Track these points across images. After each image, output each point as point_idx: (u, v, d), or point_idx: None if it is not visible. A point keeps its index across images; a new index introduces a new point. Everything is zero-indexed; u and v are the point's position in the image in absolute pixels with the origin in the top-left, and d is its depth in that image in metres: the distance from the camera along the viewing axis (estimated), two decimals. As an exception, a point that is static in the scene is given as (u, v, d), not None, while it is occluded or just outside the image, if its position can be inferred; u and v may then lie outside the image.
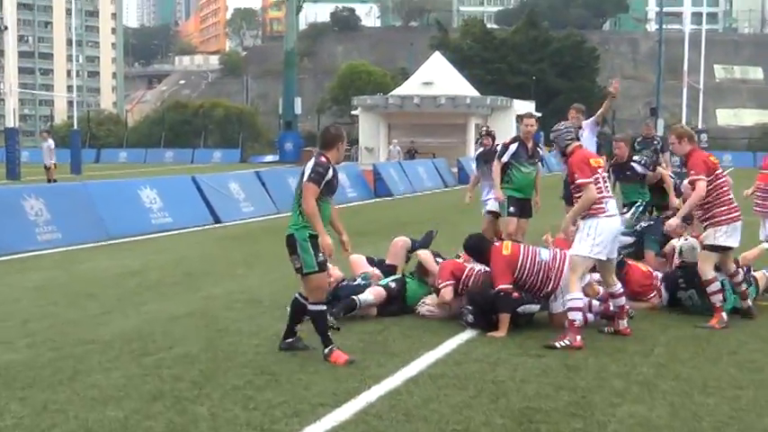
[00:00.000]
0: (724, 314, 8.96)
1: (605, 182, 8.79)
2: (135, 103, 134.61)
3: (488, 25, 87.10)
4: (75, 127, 55.31)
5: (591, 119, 12.64)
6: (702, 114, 65.66)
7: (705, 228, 9.24)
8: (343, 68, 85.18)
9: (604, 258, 8.47)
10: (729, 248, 9.06)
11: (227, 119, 78.56)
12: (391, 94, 55.59)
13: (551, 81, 69.63)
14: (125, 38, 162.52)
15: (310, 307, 7.81)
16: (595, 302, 9.17)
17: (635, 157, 12.53)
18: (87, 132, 72.66)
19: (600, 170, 8.68)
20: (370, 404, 6.52)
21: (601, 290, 9.14)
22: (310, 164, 7.93)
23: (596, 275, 9.07)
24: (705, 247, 9.11)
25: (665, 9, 69.54)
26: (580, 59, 73.44)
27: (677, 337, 8.52)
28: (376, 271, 10.18)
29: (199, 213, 20.13)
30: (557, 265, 8.97)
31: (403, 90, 55.26)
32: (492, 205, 13.08)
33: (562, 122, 9.44)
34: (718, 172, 9.13)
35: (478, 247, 9.48)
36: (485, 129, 14.62)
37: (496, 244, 9.37)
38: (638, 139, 15.44)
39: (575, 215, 8.64)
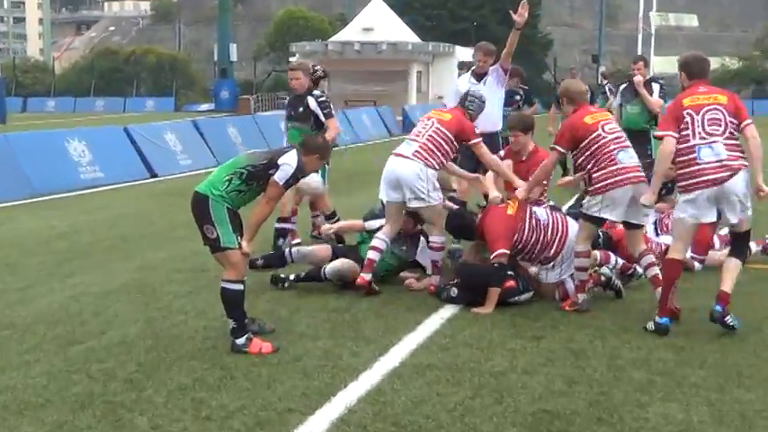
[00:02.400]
0: (582, 296, 7.63)
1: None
2: (63, 51, 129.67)
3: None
4: (0, 75, 52.68)
5: (497, 63, 10.15)
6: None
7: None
8: (279, 14, 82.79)
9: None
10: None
11: (159, 66, 76.06)
12: (331, 40, 53.90)
13: (493, 28, 67.91)
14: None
15: (227, 285, 6.50)
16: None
17: None
18: (13, 81, 69.81)
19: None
20: (349, 409, 5.33)
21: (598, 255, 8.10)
22: (290, 161, 6.62)
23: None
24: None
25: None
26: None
27: (689, 310, 7.40)
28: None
29: (132, 167, 18.70)
30: (559, 229, 7.86)
31: (342, 36, 53.56)
32: None
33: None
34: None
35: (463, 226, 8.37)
36: None
37: (499, 206, 8.10)
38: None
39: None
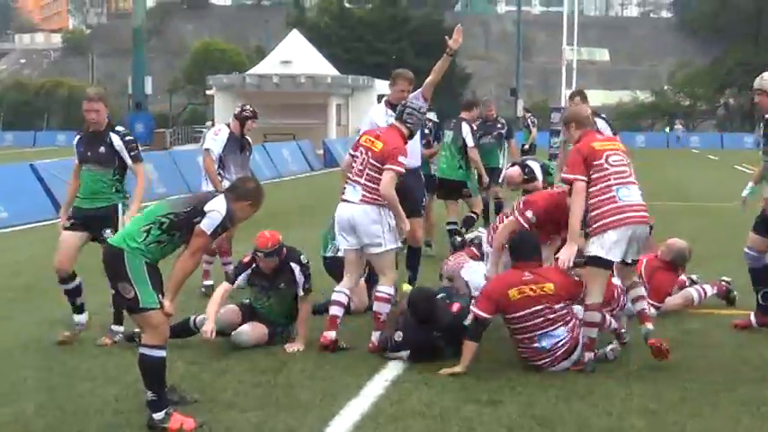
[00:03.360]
0: (588, 355, 6.80)
1: None
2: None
3: (345, 3, 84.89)
4: None
5: (417, 90, 9.12)
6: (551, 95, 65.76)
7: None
8: (196, 46, 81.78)
9: None
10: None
11: (71, 99, 74.17)
12: (248, 73, 53.07)
13: (411, 60, 67.82)
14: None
15: (147, 352, 5.61)
16: None
17: None
18: None
19: None
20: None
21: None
22: (218, 208, 5.79)
23: None
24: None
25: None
26: (440, 39, 71.14)
27: (654, 368, 6.75)
28: None
29: (39, 206, 17.56)
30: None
31: (261, 69, 52.78)
32: None
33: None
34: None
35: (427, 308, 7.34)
36: None
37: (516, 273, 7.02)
38: (479, 122, 13.48)
39: None
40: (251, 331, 7.50)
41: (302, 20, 74.93)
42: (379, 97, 52.96)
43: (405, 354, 7.07)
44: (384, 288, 7.56)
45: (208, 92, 56.57)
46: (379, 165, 7.44)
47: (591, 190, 6.69)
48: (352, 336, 7.77)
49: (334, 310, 7.51)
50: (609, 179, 6.71)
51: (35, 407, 5.95)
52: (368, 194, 7.44)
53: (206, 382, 6.53)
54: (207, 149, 9.94)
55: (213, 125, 44.02)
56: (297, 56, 51.74)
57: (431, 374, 6.71)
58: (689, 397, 6.16)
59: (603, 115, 10.97)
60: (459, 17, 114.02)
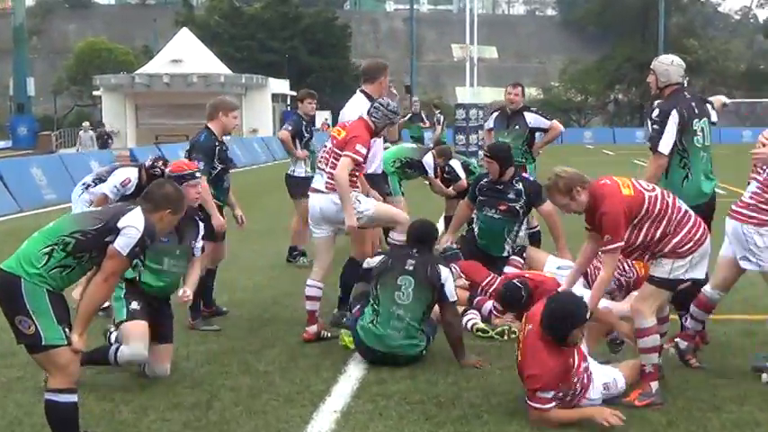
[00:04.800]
0: (654, 385, 5.93)
1: None
2: None
3: (235, 1, 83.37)
4: None
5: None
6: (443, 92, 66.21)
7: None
8: (80, 46, 78.95)
9: None
10: None
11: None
12: (137, 72, 51.67)
13: (304, 59, 67.46)
14: None
15: (54, 398, 4.75)
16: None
17: None
18: None
19: None
20: None
21: None
22: (135, 223, 4.95)
23: None
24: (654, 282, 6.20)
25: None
26: (332, 37, 71.43)
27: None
28: None
29: None
30: None
31: (150, 68, 51.49)
32: None
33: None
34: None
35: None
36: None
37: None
38: (409, 116, 12.89)
39: None
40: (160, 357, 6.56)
41: (192, 18, 73.39)
42: (274, 96, 52.40)
43: None
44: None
45: (95, 92, 54.89)
46: (339, 152, 7.52)
47: None
48: (285, 353, 6.99)
49: (310, 306, 7.61)
50: None
51: None
52: (331, 181, 7.54)
53: (127, 423, 5.62)
54: (104, 194, 8.46)
55: (94, 129, 42.62)
56: (187, 55, 50.86)
57: (383, 400, 5.97)
58: (685, 419, 5.57)
59: (534, 108, 10.48)
60: (350, 15, 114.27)
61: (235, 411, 5.82)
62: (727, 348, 7.19)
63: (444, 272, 6.89)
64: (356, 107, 8.17)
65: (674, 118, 6.81)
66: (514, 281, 7.47)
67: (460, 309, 7.80)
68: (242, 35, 69.88)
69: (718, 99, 7.62)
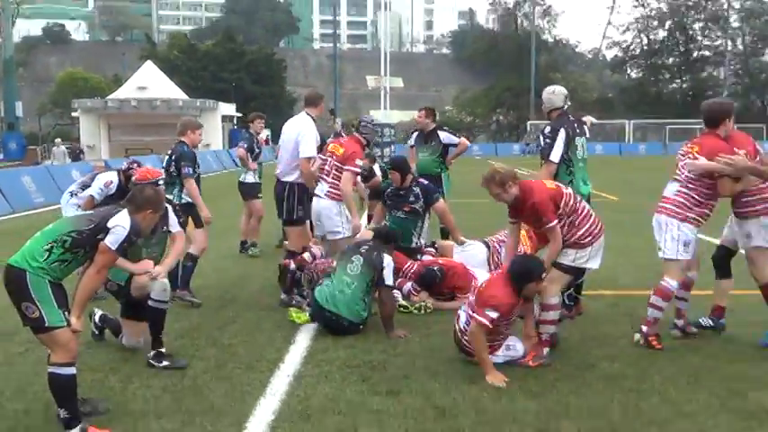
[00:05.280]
0: (546, 350, 5.99)
1: None
2: None
3: (191, 40, 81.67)
4: None
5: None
6: (359, 114, 66.48)
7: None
8: (60, 75, 76.68)
9: None
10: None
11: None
12: (109, 97, 50.31)
13: (248, 87, 66.57)
14: None
15: (56, 370, 4.55)
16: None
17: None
18: None
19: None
20: None
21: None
22: (122, 223, 4.79)
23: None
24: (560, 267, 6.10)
25: (326, 31, 69.57)
26: (271, 69, 70.67)
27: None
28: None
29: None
30: None
31: (120, 94, 50.18)
32: None
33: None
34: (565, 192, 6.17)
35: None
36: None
37: None
38: (333, 133, 12.53)
39: None
40: (135, 332, 6.36)
41: (154, 53, 71.63)
42: (223, 117, 51.62)
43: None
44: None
45: (73, 114, 53.26)
46: (340, 165, 7.70)
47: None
48: (244, 328, 6.86)
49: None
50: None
51: None
52: (332, 190, 7.72)
53: (115, 390, 5.43)
54: (91, 196, 8.18)
55: (64, 144, 41.45)
56: (151, 83, 49.91)
57: (327, 365, 5.89)
58: (578, 385, 5.61)
59: (446, 128, 10.42)
60: (285, 52, 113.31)
61: (205, 378, 5.67)
62: (598, 318, 7.27)
63: (387, 260, 6.82)
64: (302, 124, 8.09)
65: (561, 134, 6.91)
66: (431, 267, 7.47)
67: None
68: (197, 67, 68.72)
69: (588, 119, 7.72)
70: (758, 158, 6.11)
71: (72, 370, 4.57)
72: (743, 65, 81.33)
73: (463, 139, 10.28)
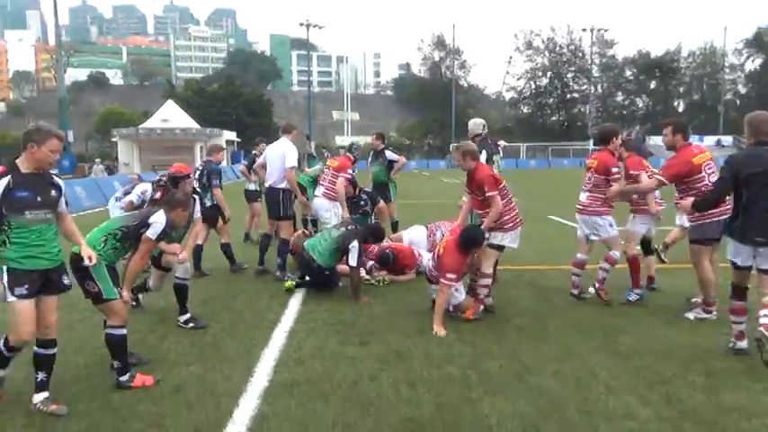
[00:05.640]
0: (481, 307, 5.95)
1: None
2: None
3: (201, 85, 79.86)
4: None
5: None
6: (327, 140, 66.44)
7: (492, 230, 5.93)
8: (102, 110, 74.40)
9: None
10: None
11: (15, 146, 65.01)
12: (140, 126, 48.94)
13: (244, 119, 65.27)
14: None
15: (112, 331, 4.37)
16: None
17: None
18: None
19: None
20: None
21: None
22: (160, 219, 4.62)
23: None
24: (491, 245, 5.94)
25: (302, 78, 68.77)
26: (261, 106, 69.35)
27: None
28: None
29: None
30: None
31: (148, 124, 48.91)
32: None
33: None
34: (504, 184, 5.98)
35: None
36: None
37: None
38: (307, 154, 11.54)
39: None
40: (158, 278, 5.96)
41: (174, 93, 69.78)
42: (227, 142, 50.85)
43: None
44: None
45: (113, 139, 51.70)
46: (336, 173, 8.20)
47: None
48: (249, 297, 6.72)
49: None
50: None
51: (25, 374, 4.49)
52: (327, 192, 8.19)
53: (153, 346, 5.27)
54: (131, 201, 7.85)
55: (102, 162, 40.32)
56: (172, 116, 48.82)
57: (313, 323, 5.80)
58: (501, 336, 5.62)
59: (391, 148, 10.36)
60: (271, 93, 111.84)
61: (222, 335, 5.54)
62: (508, 285, 7.26)
63: (354, 245, 6.68)
64: (285, 145, 7.93)
65: (483, 154, 6.91)
66: (386, 250, 7.41)
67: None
68: (206, 104, 67.20)
69: (502, 142, 7.78)
70: (645, 173, 6.12)
71: (124, 331, 4.42)
72: (602, 104, 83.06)
73: (401, 157, 10.27)
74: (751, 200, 4.55)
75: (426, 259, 6.87)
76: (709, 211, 5.27)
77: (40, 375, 4.01)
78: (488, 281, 5.98)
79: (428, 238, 8.25)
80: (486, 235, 5.88)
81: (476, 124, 7.36)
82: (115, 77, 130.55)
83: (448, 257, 5.65)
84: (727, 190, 4.76)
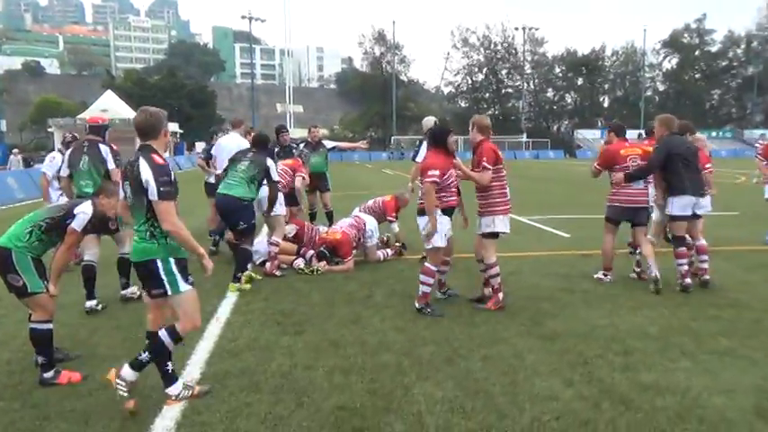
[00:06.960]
0: (500, 295, 5.78)
1: None
2: None
3: (142, 75, 76.91)
4: None
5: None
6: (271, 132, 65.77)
7: (482, 215, 5.84)
8: (38, 100, 70.61)
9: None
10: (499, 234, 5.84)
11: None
12: (78, 117, 46.68)
13: (188, 111, 63.30)
14: None
15: (36, 326, 4.12)
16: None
17: None
18: None
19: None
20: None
21: None
22: (86, 210, 4.41)
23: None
24: (485, 236, 5.80)
25: (245, 70, 67.31)
26: (204, 97, 67.40)
27: (403, 296, 6.15)
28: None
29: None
30: None
31: (86, 115, 46.56)
32: None
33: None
34: (500, 166, 5.85)
35: None
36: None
37: None
38: (277, 149, 9.95)
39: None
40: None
41: (113, 83, 67.00)
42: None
43: None
44: (273, 239, 7.23)
45: (49, 129, 49.23)
46: (292, 172, 8.18)
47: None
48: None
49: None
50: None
51: (-66, 379, 4.17)
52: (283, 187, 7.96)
53: (82, 340, 5.00)
54: (43, 173, 7.66)
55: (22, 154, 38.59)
56: (111, 106, 46.73)
57: (249, 314, 5.64)
58: (430, 322, 5.60)
59: (326, 139, 10.35)
60: (215, 84, 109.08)
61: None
62: (451, 276, 7.33)
63: (269, 162, 6.79)
64: (238, 139, 8.20)
65: (424, 144, 7.07)
66: (322, 248, 7.29)
67: (291, 257, 7.57)
68: (147, 95, 64.39)
69: (455, 138, 7.75)
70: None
71: (50, 326, 4.16)
72: (534, 99, 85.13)
73: (340, 143, 10.47)
74: (677, 170, 6.28)
75: (370, 225, 7.25)
76: (617, 197, 6.46)
77: None
78: (497, 269, 5.75)
79: (362, 208, 8.54)
80: (480, 227, 5.77)
81: (428, 120, 7.94)
82: (51, 66, 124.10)
83: (427, 161, 5.45)
84: (659, 164, 6.27)
